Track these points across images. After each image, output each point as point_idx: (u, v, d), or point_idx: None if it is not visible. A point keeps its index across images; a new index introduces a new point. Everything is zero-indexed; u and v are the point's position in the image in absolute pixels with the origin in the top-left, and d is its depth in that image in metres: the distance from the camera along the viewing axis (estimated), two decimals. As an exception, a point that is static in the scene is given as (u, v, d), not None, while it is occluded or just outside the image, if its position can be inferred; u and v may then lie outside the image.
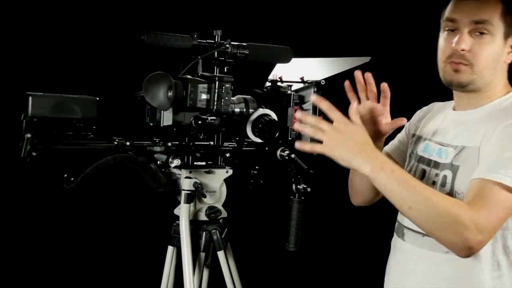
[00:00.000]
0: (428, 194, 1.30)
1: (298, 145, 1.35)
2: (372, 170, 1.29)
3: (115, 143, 1.46)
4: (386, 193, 1.32)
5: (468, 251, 1.32)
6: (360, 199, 1.72)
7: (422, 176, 1.53)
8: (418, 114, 1.73)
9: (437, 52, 1.50)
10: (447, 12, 1.46)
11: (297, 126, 1.35)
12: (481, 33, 1.41)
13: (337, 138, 1.30)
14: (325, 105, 1.33)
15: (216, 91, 1.48)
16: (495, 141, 1.37)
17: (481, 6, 1.41)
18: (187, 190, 1.55)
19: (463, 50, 1.41)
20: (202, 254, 1.62)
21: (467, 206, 1.30)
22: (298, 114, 1.35)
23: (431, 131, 1.59)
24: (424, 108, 1.74)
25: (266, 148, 1.64)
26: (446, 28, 1.46)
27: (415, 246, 1.52)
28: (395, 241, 1.62)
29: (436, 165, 1.51)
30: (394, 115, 1.75)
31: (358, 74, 1.53)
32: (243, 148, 1.66)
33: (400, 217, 1.60)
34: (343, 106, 1.37)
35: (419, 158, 1.58)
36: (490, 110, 1.47)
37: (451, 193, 1.44)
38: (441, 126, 1.57)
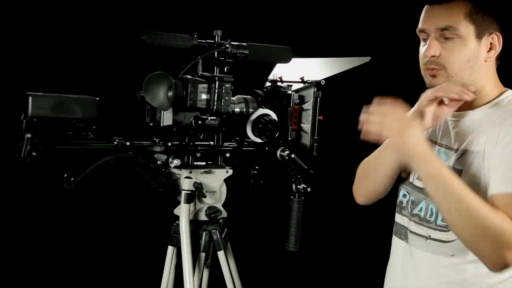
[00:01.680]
0: (477, 204, 1.33)
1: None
2: (429, 172, 1.36)
3: (115, 143, 1.46)
4: (439, 200, 1.37)
5: (503, 267, 1.34)
6: (370, 189, 1.68)
7: None
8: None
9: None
10: (419, 24, 1.51)
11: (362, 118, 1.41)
12: (447, 38, 1.44)
13: (397, 130, 1.38)
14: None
15: (216, 91, 1.48)
16: (507, 150, 1.38)
17: (444, 13, 1.44)
18: (187, 190, 1.55)
19: (433, 56, 1.46)
20: (202, 254, 1.62)
21: (506, 222, 1.32)
22: (363, 117, 1.41)
23: (430, 132, 1.59)
24: None
25: (266, 148, 1.64)
26: (421, 38, 1.51)
27: (419, 249, 1.52)
28: (397, 242, 1.62)
29: None
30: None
31: None
32: (243, 148, 1.66)
33: (401, 220, 1.60)
34: (343, 106, 1.38)
35: None
36: (486, 112, 1.47)
37: None
38: (437, 128, 1.57)
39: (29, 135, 1.33)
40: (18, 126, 1.35)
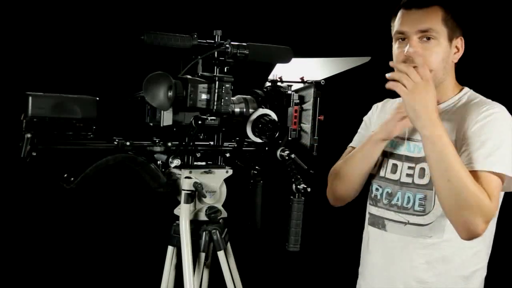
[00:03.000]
0: (464, 175, 1.48)
1: (388, 75, 1.54)
2: (430, 135, 1.50)
3: (115, 143, 1.46)
4: (433, 161, 1.52)
5: (474, 236, 1.53)
6: (344, 189, 1.82)
7: (395, 170, 1.73)
8: (375, 109, 1.91)
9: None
10: (396, 26, 1.65)
11: (388, 75, 1.54)
12: (428, 38, 1.61)
13: (422, 92, 1.50)
14: (419, 60, 1.54)
15: (216, 91, 1.48)
16: (477, 134, 1.57)
17: (423, 16, 1.60)
18: (187, 190, 1.55)
19: (412, 54, 1.59)
20: (202, 254, 1.62)
21: (487, 196, 1.50)
22: (389, 75, 1.54)
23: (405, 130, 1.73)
24: (379, 104, 1.91)
25: (266, 148, 1.64)
26: (398, 39, 1.65)
27: (399, 234, 1.69)
28: (374, 232, 1.76)
29: (409, 159, 1.70)
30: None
31: None
32: (243, 148, 1.66)
33: (377, 211, 1.76)
34: (343, 106, 1.38)
35: (386, 154, 1.76)
36: (450, 106, 1.68)
37: (429, 184, 1.63)
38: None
39: (29, 135, 1.32)
40: (18, 126, 1.35)
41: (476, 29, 2.25)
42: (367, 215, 1.82)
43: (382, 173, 1.76)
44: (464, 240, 1.57)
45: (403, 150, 1.72)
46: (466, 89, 1.73)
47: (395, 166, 1.73)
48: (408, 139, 1.72)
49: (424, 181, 1.65)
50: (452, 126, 1.63)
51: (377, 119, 1.85)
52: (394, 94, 1.60)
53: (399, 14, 1.66)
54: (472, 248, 1.64)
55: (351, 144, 1.91)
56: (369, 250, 1.80)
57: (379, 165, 1.77)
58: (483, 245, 1.67)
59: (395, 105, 1.77)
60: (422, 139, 1.54)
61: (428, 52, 1.60)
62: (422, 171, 1.66)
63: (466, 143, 1.58)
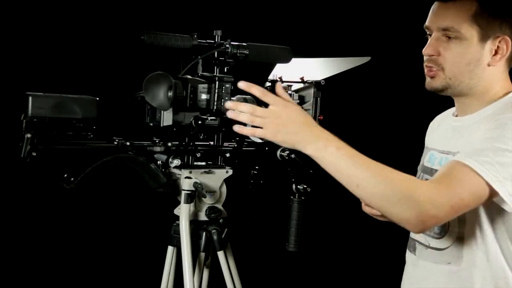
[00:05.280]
0: (378, 170, 1.24)
1: (237, 128, 1.27)
2: (315, 149, 1.23)
3: (115, 143, 1.46)
4: (333, 173, 1.25)
5: (422, 225, 1.25)
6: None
7: None
8: (431, 125, 1.70)
9: None
10: (426, 20, 1.46)
11: (230, 115, 1.26)
12: (449, 38, 1.39)
13: (277, 121, 1.24)
14: (257, 90, 1.27)
15: (216, 91, 1.49)
16: (480, 135, 1.33)
17: (449, 13, 1.39)
18: (187, 190, 1.55)
19: (430, 56, 1.41)
20: (202, 254, 1.62)
21: (423, 181, 1.27)
22: (229, 103, 1.27)
23: (435, 140, 1.58)
24: (437, 118, 1.68)
25: (266, 148, 1.64)
26: (427, 35, 1.45)
27: (423, 260, 1.49)
28: (408, 256, 1.58)
29: (426, 170, 1.51)
30: (393, 114, 1.76)
31: None
32: (243, 148, 1.66)
33: (412, 233, 1.55)
34: (343, 106, 1.38)
35: (424, 169, 1.55)
36: (485, 114, 1.42)
37: None
38: (442, 134, 1.56)
39: (29, 135, 1.33)
40: (18, 126, 1.35)
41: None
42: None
43: None
44: (487, 269, 1.37)
45: (436, 164, 1.50)
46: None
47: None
48: (442, 152, 1.49)
49: None
50: (477, 133, 1.37)
51: (430, 133, 1.66)
52: (395, 97, 1.59)
53: (433, 6, 1.44)
54: (496, 280, 1.38)
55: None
56: (405, 272, 1.59)
57: None
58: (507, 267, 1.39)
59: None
60: (317, 161, 1.28)
61: (448, 53, 1.39)
62: None
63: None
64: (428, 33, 1.46)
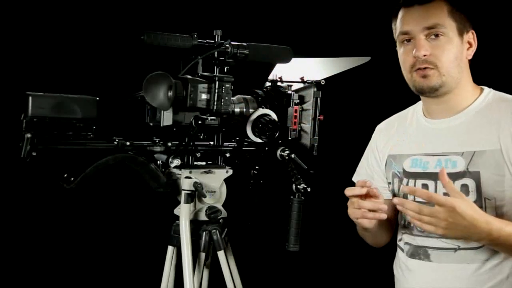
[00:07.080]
0: None
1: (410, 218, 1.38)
2: (490, 243, 1.37)
3: (115, 143, 1.46)
4: (505, 250, 1.40)
5: None
6: (377, 242, 1.76)
7: None
8: (379, 133, 1.74)
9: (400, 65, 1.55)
10: (399, 27, 1.51)
11: (399, 208, 1.39)
12: (436, 35, 1.46)
13: (444, 222, 1.32)
14: (423, 195, 1.36)
15: (216, 91, 1.48)
16: None
17: (428, 13, 1.46)
18: (187, 190, 1.55)
19: (424, 56, 1.45)
20: (202, 254, 1.62)
21: None
22: (396, 200, 1.38)
23: (411, 145, 1.58)
24: (382, 126, 1.75)
25: (266, 148, 1.64)
26: (403, 41, 1.51)
27: (445, 263, 1.49)
28: (414, 265, 1.57)
29: None
30: (393, 114, 1.76)
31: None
32: (243, 148, 1.66)
33: (413, 240, 1.57)
34: (343, 106, 1.37)
35: (410, 175, 1.56)
36: (476, 111, 1.49)
37: (479, 201, 1.43)
38: (420, 137, 1.57)
39: (29, 135, 1.33)
40: (18, 126, 1.35)
41: (487, 21, 2.09)
42: (402, 245, 1.62)
43: (410, 198, 1.52)
44: None
45: (432, 168, 1.51)
46: (486, 88, 1.54)
47: (425, 186, 1.52)
48: (439, 154, 1.51)
49: (471, 199, 1.41)
50: (491, 132, 1.44)
51: (385, 142, 1.70)
52: (395, 97, 1.59)
53: (400, 13, 1.51)
54: None
55: (354, 177, 1.80)
56: (407, 281, 1.60)
57: (399, 188, 1.60)
58: None
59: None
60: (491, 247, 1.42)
61: (439, 51, 1.45)
62: (465, 188, 1.44)
63: None
64: (403, 39, 1.51)
